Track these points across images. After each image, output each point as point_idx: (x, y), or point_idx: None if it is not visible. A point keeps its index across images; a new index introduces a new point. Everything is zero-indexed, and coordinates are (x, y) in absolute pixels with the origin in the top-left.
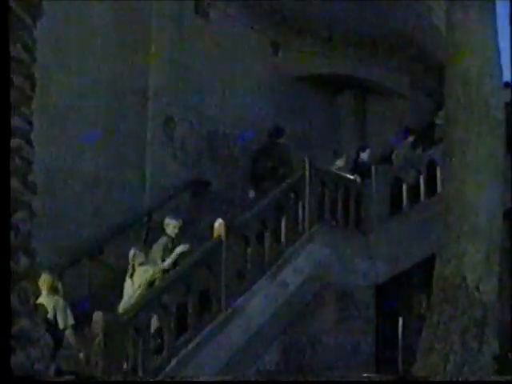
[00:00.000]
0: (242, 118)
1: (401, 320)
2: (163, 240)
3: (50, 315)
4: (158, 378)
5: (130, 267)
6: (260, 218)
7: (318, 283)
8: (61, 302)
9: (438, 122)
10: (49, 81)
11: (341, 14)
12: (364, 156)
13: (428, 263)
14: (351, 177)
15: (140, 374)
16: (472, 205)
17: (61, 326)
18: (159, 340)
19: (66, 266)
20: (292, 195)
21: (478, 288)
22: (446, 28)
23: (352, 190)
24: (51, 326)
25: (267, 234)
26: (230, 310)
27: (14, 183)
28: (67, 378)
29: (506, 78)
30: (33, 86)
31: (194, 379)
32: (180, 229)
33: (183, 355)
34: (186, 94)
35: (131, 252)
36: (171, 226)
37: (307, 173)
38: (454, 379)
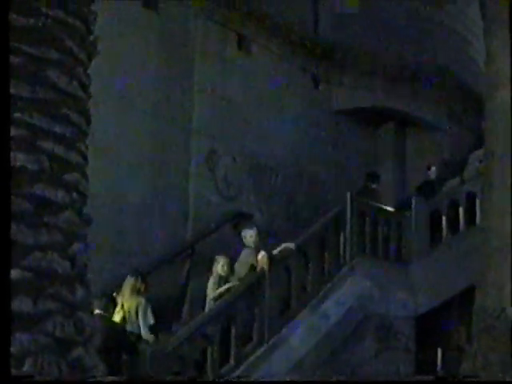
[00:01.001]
0: (283, 151)
1: (440, 351)
2: (245, 252)
3: (132, 314)
4: None
5: (213, 271)
6: (302, 250)
7: (359, 314)
8: (143, 302)
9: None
10: (95, 113)
11: (381, 48)
12: (430, 174)
13: (466, 294)
14: (391, 209)
15: None
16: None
17: (141, 324)
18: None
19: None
20: (333, 227)
21: None
22: (484, 60)
23: (392, 222)
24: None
25: (309, 266)
26: (272, 341)
27: (71, 216)
28: None
29: None
30: (88, 122)
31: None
32: (257, 236)
33: None
34: (228, 127)
35: (216, 258)
36: (248, 236)
37: (348, 206)
38: None
